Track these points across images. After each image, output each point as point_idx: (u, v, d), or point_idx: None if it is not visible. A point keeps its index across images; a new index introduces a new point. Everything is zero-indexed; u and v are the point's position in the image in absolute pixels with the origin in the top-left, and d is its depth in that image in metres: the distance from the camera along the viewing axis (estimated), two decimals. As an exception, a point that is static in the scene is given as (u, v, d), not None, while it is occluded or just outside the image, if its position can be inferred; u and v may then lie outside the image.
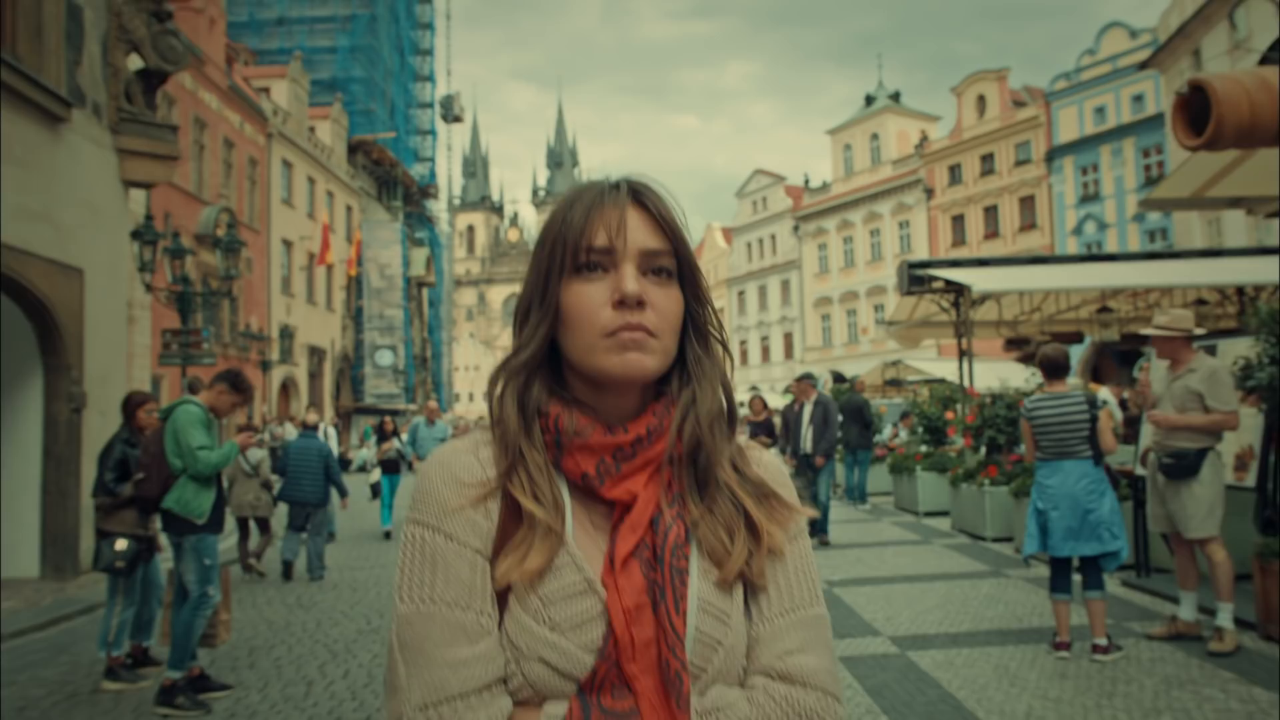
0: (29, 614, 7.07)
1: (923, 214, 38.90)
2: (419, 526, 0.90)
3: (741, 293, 50.65)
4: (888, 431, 16.98)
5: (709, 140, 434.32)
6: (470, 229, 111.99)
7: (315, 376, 33.07)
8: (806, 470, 9.79)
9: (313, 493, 8.92)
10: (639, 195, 0.93)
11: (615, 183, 0.95)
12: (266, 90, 30.86)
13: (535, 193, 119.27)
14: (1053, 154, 33.11)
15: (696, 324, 0.97)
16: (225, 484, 5.40)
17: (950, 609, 6.46)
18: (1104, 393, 11.29)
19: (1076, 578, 5.24)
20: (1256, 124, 4.18)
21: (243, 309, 26.84)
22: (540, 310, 0.93)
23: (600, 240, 0.90)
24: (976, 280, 10.80)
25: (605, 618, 0.86)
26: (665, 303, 0.91)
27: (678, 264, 0.94)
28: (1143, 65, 26.08)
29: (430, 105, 46.01)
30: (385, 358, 36.77)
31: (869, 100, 43.61)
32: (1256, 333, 5.61)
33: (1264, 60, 6.20)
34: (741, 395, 17.73)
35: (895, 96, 42.96)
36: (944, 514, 11.23)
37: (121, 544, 5.24)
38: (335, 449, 17.61)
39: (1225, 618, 5.03)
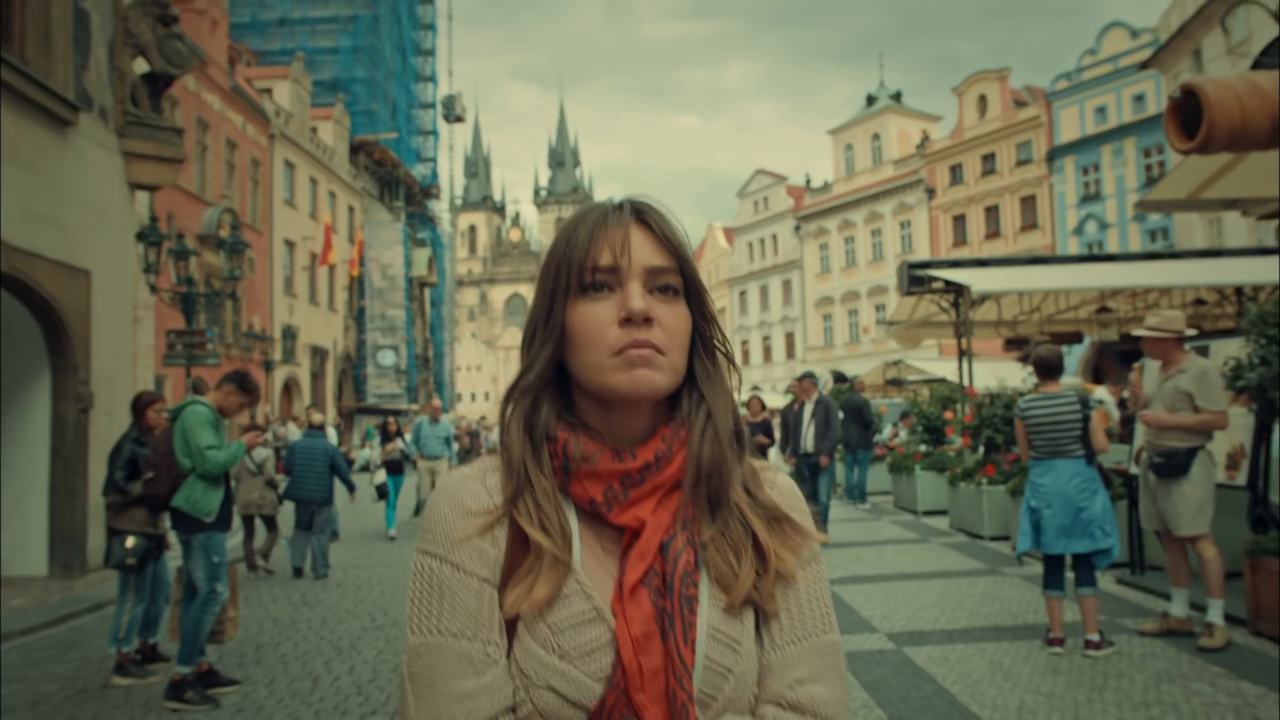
0: (38, 611, 7.17)
1: (924, 214, 38.92)
2: (427, 556, 0.90)
3: (743, 293, 50.72)
4: (887, 431, 17.04)
5: (710, 140, 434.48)
6: (472, 229, 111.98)
7: (318, 376, 33.17)
8: (805, 470, 9.86)
9: (317, 491, 9.04)
10: (642, 214, 0.93)
11: (618, 203, 0.95)
12: (269, 91, 30.97)
13: (537, 193, 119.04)
14: (1054, 154, 33.12)
15: (704, 341, 0.96)
16: (232, 483, 5.48)
17: (947, 606, 6.54)
18: (1100, 393, 11.41)
19: (1070, 575, 5.32)
20: (1248, 128, 4.25)
21: (245, 309, 26.94)
22: (545, 331, 0.93)
23: (605, 259, 0.90)
24: (976, 280, 10.88)
25: (614, 646, 0.85)
26: (672, 320, 0.91)
27: (684, 282, 0.93)
28: (1144, 65, 26.10)
29: (432, 105, 46.05)
30: (387, 358, 36.85)
31: (870, 100, 43.62)
32: (1247, 333, 5.68)
33: (1256, 65, 6.29)
34: (741, 395, 17.75)
35: (896, 96, 42.98)
36: (942, 513, 11.30)
37: (131, 541, 5.33)
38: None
39: (1216, 614, 5.10)
